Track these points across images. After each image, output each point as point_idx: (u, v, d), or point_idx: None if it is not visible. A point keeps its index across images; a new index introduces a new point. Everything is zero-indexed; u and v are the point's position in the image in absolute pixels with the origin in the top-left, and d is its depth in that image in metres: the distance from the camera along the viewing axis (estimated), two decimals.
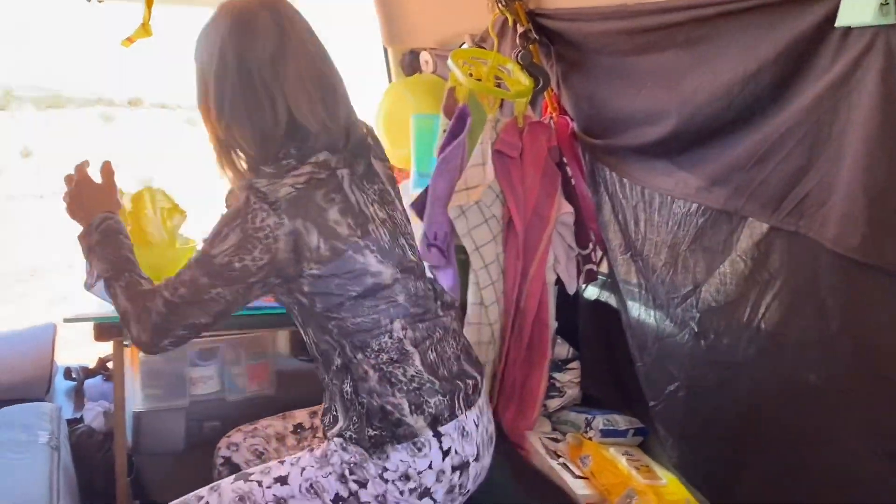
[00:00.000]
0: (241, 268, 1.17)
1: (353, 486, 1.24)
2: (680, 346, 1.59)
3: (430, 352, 1.31)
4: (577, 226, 1.92)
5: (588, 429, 1.87)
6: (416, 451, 1.24)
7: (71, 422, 2.09)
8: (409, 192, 2.32)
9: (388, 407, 1.23)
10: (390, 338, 1.27)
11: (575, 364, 2.04)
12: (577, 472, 1.77)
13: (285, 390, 2.05)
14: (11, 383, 2.04)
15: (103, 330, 1.74)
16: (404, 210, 1.42)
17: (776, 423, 1.39)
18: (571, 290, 1.96)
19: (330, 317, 1.25)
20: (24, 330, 2.43)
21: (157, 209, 1.73)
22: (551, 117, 1.96)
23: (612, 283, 1.92)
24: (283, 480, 1.26)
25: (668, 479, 1.71)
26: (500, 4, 1.90)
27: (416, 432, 1.23)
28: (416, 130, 2.27)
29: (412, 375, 1.26)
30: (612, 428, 1.85)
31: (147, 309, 1.22)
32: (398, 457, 1.23)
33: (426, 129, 2.26)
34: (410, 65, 2.73)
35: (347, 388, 1.27)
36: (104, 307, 1.70)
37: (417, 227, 1.98)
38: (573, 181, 1.91)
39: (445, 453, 1.25)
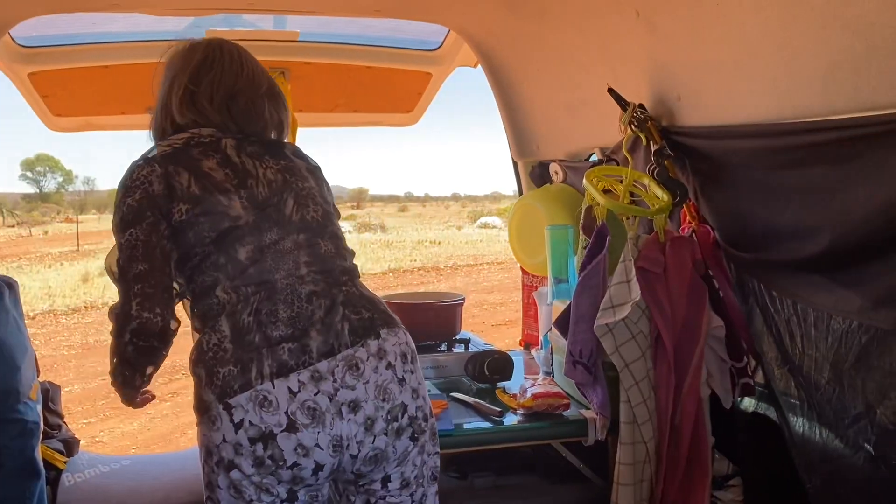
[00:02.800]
0: (127, 209, 1.38)
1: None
2: (855, 469, 1.51)
3: (246, 315, 1.33)
4: (729, 338, 1.89)
5: None
6: (210, 424, 1.28)
7: None
8: (548, 300, 2.38)
9: (195, 379, 1.33)
10: (212, 301, 1.36)
11: (736, 481, 1.96)
12: None
13: None
14: None
15: None
16: (319, 188, 1.56)
17: None
18: (728, 404, 1.91)
19: (187, 279, 1.40)
20: None
21: None
22: (692, 229, 1.96)
23: (769, 395, 1.86)
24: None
25: None
26: (632, 126, 1.95)
27: (209, 405, 1.28)
28: (550, 241, 2.35)
29: (214, 344, 1.33)
30: None
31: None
32: (200, 431, 1.31)
33: (560, 239, 2.35)
34: (540, 176, 2.82)
35: None
36: None
37: (557, 336, 2.02)
38: (721, 293, 1.89)
39: (237, 426, 1.26)
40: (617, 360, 1.87)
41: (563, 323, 1.97)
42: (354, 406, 1.32)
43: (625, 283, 1.87)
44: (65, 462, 2.25)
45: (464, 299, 2.41)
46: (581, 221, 2.02)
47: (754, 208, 1.74)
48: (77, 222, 27.65)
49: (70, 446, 2.31)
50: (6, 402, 1.88)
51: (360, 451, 1.34)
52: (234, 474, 1.29)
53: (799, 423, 1.72)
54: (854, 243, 1.44)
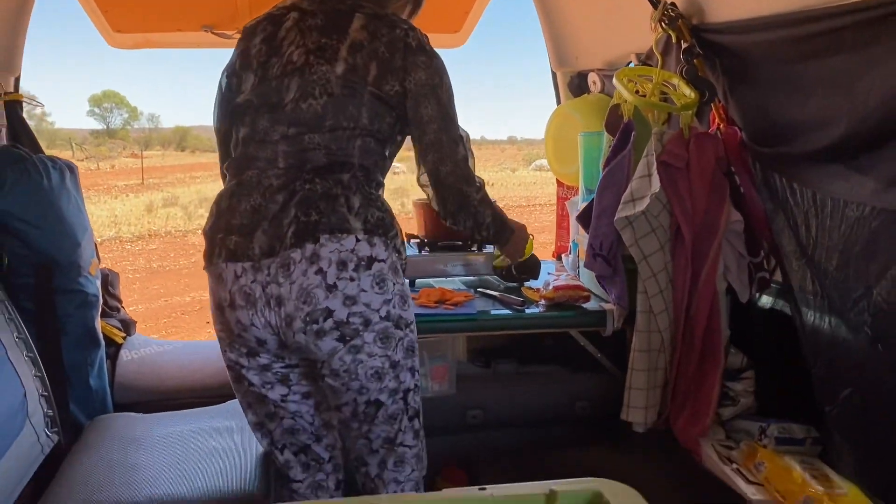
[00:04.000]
0: None
1: None
2: (854, 350, 1.56)
3: (226, 199, 1.47)
4: (748, 234, 1.93)
5: (762, 437, 1.85)
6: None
7: None
8: (578, 207, 2.43)
9: None
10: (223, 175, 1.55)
11: (749, 373, 2.03)
12: (751, 478, 1.77)
13: (464, 393, 2.20)
14: None
15: None
16: (341, 77, 1.46)
17: None
18: (744, 298, 1.97)
19: None
20: None
21: None
22: (719, 128, 1.99)
23: (786, 291, 1.90)
24: None
25: (848, 489, 1.67)
26: (663, 24, 1.97)
27: (205, 264, 1.51)
28: (583, 148, 2.37)
29: (209, 215, 1.51)
30: (787, 436, 1.82)
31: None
32: None
33: (593, 146, 2.36)
34: (578, 86, 2.84)
35: None
36: None
37: (584, 238, 2.09)
38: (742, 190, 1.93)
39: (210, 290, 1.49)
40: (636, 252, 1.94)
41: (585, 217, 2.04)
42: (279, 301, 1.40)
43: (646, 177, 1.93)
44: (123, 338, 2.45)
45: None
46: (606, 119, 2.05)
47: (778, 103, 1.76)
48: (142, 157, 28.45)
49: (127, 326, 2.51)
50: (68, 274, 2.06)
51: (287, 339, 1.44)
52: (214, 328, 1.52)
53: (810, 315, 1.76)
54: (869, 129, 1.46)
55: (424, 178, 1.55)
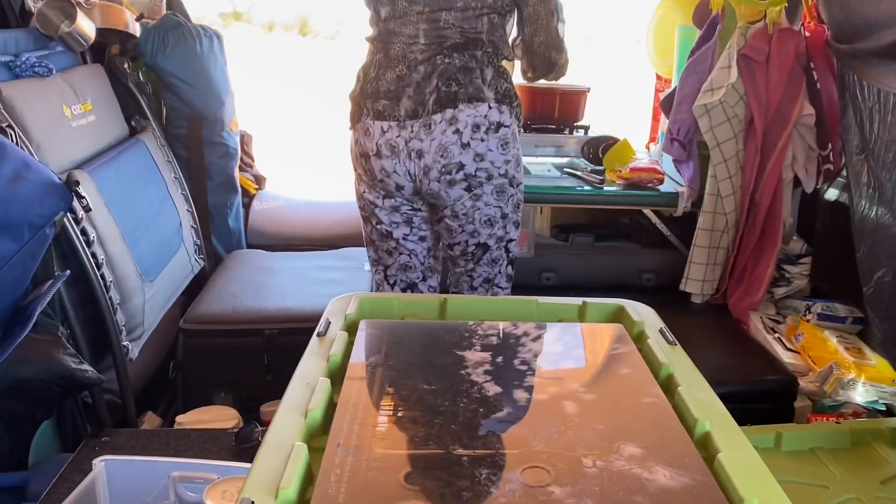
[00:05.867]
0: None
1: None
2: (894, 236, 1.71)
3: (373, 68, 1.68)
4: (820, 128, 2.05)
5: (807, 312, 2.05)
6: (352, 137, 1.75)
7: None
8: None
9: None
10: (369, 40, 1.72)
11: (807, 259, 2.20)
12: (790, 346, 1.98)
13: (541, 257, 2.47)
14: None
15: None
16: None
17: None
18: (809, 189, 2.11)
19: None
20: None
21: None
22: (802, 25, 2.08)
23: (848, 185, 2.03)
24: None
25: (877, 362, 1.86)
26: None
27: (351, 123, 1.74)
28: (679, 41, 2.49)
29: (357, 79, 1.72)
30: (830, 313, 2.01)
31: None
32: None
33: (690, 41, 2.48)
34: None
35: None
36: None
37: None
38: (819, 85, 2.04)
39: (355, 142, 1.72)
40: (710, 138, 2.11)
41: (667, 104, 2.21)
42: (419, 154, 1.65)
43: (727, 68, 2.07)
44: (256, 189, 2.86)
45: (589, 89, 2.66)
46: (695, 12, 2.18)
47: (857, 1, 1.84)
48: None
49: (259, 181, 2.91)
50: (213, 128, 2.45)
51: (422, 186, 1.71)
52: (356, 173, 1.78)
53: (863, 204, 1.90)
54: None
55: (518, 42, 1.77)
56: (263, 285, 2.18)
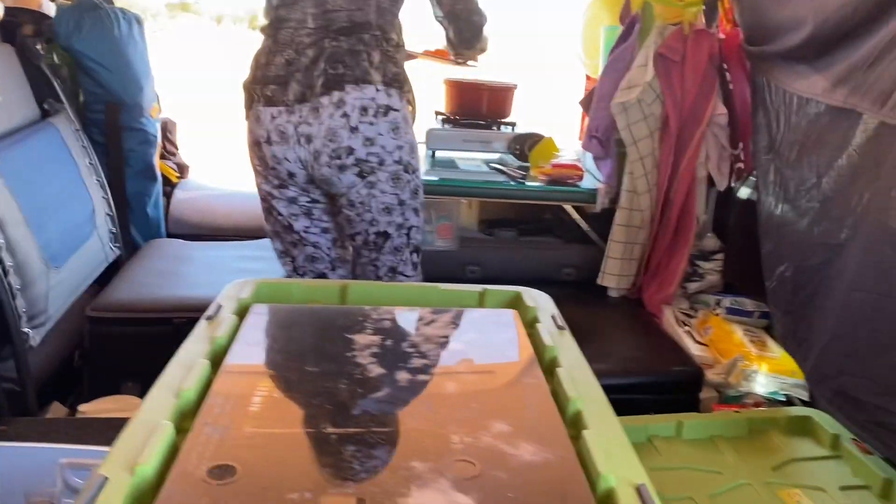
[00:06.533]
0: None
1: None
2: (796, 232, 1.78)
3: (263, 55, 1.68)
4: (732, 128, 2.12)
5: (717, 307, 2.11)
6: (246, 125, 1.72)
7: None
8: None
9: None
10: (262, 27, 1.70)
11: (720, 255, 2.26)
12: (699, 339, 2.04)
13: (465, 251, 2.49)
14: None
15: None
16: None
17: (869, 301, 1.56)
18: (721, 187, 2.18)
19: None
20: None
21: None
22: (716, 27, 2.14)
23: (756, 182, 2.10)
24: None
25: (781, 355, 1.93)
26: None
27: (245, 112, 1.72)
28: (605, 41, 2.53)
29: (250, 66, 1.70)
30: (738, 308, 2.08)
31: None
32: None
33: (614, 41, 2.53)
34: None
35: None
36: None
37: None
38: (732, 86, 2.10)
39: (249, 131, 1.71)
40: (627, 136, 2.15)
41: (587, 101, 2.25)
42: (308, 139, 1.64)
43: (643, 66, 2.11)
44: (178, 178, 2.80)
45: (516, 86, 2.68)
46: (620, 12, 2.22)
47: (766, 4, 1.91)
48: None
49: (182, 169, 2.85)
50: (132, 113, 2.39)
51: (314, 172, 1.70)
52: (252, 164, 1.76)
53: (769, 201, 1.97)
54: (828, 31, 1.62)
55: (440, 13, 1.83)
56: (177, 274, 2.13)
